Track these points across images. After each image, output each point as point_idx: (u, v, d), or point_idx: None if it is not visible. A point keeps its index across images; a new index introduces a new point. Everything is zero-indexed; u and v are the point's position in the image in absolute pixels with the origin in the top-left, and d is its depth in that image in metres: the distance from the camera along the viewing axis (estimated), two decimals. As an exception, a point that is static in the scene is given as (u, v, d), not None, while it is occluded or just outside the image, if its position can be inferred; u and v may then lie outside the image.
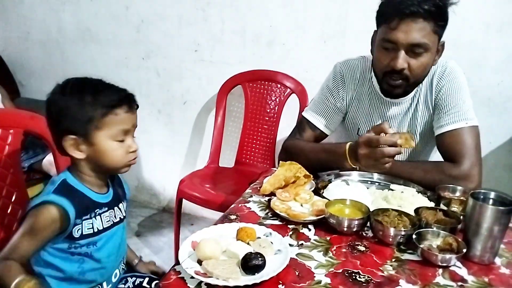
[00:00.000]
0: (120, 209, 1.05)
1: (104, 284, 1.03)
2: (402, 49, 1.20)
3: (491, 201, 0.93)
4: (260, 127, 2.29)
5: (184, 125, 2.64)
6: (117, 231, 1.03)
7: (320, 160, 1.33)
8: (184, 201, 2.02)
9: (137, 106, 0.99)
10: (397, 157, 1.41)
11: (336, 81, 1.45)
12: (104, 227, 0.98)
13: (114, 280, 1.06)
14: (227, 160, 2.39)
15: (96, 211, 0.97)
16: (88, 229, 0.94)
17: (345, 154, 1.22)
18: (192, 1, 2.35)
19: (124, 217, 1.07)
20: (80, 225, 0.93)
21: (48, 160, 2.03)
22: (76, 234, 0.93)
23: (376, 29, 1.30)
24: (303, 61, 2.23)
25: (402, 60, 1.20)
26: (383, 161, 1.11)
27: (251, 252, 0.83)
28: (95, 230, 0.96)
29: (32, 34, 2.86)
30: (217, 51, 2.40)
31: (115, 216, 1.02)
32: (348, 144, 1.22)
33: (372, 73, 1.38)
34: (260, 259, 0.82)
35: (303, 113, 1.51)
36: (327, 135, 1.47)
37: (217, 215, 1.29)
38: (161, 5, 2.42)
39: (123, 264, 1.11)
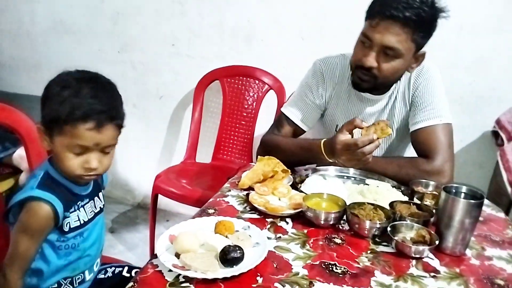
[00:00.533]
0: (99, 198, 1.03)
1: (86, 272, 1.01)
2: (376, 48, 1.21)
3: (462, 195, 0.96)
4: (237, 123, 2.29)
5: (160, 120, 2.60)
6: (99, 221, 1.01)
7: (297, 156, 1.35)
8: (159, 197, 2.00)
9: (121, 125, 0.91)
10: (373, 153, 1.45)
11: (315, 78, 1.46)
12: (89, 218, 0.96)
13: (95, 269, 1.04)
14: (204, 155, 2.38)
15: (79, 203, 0.94)
16: (75, 221, 0.92)
17: (321, 151, 1.24)
18: (170, -6, 2.32)
19: (104, 205, 1.05)
20: (69, 218, 0.91)
21: (19, 154, 1.96)
22: (66, 228, 0.90)
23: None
24: (281, 58, 2.24)
25: (372, 58, 1.22)
26: (365, 159, 1.15)
27: (229, 245, 0.83)
28: (81, 222, 0.94)
29: (2, 25, 2.76)
30: (194, 46, 2.38)
31: (95, 206, 1.00)
32: (323, 141, 1.25)
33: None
34: (238, 251, 0.82)
35: (282, 109, 1.51)
36: (305, 131, 1.49)
37: (193, 211, 1.28)
38: (138, -3, 2.39)
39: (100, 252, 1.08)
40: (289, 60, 2.22)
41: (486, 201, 1.28)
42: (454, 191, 0.96)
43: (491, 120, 1.98)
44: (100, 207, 1.02)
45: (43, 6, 2.62)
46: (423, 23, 1.18)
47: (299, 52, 2.19)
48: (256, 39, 2.26)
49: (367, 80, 1.28)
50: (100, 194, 1.04)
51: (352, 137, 1.16)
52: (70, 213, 0.91)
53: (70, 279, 0.98)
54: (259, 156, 1.31)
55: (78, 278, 0.99)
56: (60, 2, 2.57)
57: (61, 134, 0.85)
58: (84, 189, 0.97)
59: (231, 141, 2.31)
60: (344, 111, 1.45)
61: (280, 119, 1.51)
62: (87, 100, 0.85)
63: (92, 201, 0.99)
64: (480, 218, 1.14)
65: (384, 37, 1.19)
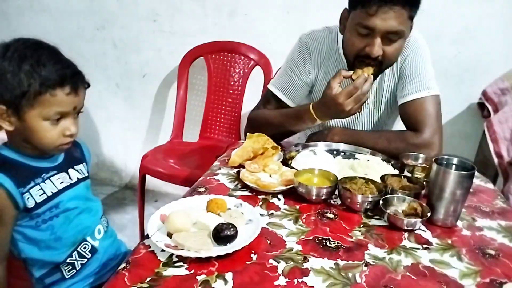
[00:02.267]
0: (77, 170, 1.00)
1: (89, 239, 0.99)
2: (379, 35, 1.17)
3: (453, 167, 0.96)
4: (224, 100, 2.25)
5: (144, 99, 2.55)
6: (79, 191, 0.98)
7: (285, 126, 1.35)
8: (147, 177, 1.98)
9: (88, 85, 0.91)
10: (362, 127, 1.45)
11: (302, 54, 1.42)
12: (59, 188, 0.93)
13: (98, 236, 1.02)
14: (191, 134, 2.35)
15: (43, 175, 0.91)
16: (40, 195, 0.89)
17: (312, 115, 1.27)
18: (150, -33, 2.24)
19: (86, 177, 1.02)
20: (28, 193, 0.87)
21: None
22: (30, 204, 0.87)
23: (347, 8, 1.25)
24: (267, 32, 2.20)
25: (378, 47, 1.19)
26: (366, 98, 1.22)
27: (222, 223, 0.82)
28: (49, 194, 0.90)
29: (-27, 3, 2.64)
30: (176, 21, 2.31)
31: (70, 178, 0.97)
32: (311, 105, 1.27)
33: (339, 44, 1.37)
34: (232, 229, 0.81)
35: (268, 86, 1.49)
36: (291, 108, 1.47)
37: (182, 190, 1.27)
38: (116, -29, 2.29)
39: (105, 222, 1.07)
40: (275, 34, 2.18)
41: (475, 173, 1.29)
42: (445, 162, 0.96)
43: (476, 92, 2.00)
44: (77, 178, 0.98)
45: (16, -18, 2.51)
46: None
47: (284, 25, 2.15)
48: (240, 13, 2.21)
49: (374, 68, 1.25)
50: (80, 166, 1.01)
51: None
52: (29, 189, 0.87)
53: (76, 252, 0.96)
54: (248, 133, 1.29)
55: (85, 248, 0.98)
56: (34, -22, 2.46)
57: (34, 107, 0.83)
58: (48, 162, 0.93)
59: (218, 119, 2.28)
60: None
61: (267, 96, 1.49)
62: (54, 66, 0.84)
63: (63, 172, 0.95)
64: (470, 190, 1.16)
65: (386, 22, 1.14)
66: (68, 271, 0.96)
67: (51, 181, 0.92)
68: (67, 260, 0.95)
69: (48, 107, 0.84)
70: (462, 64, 2.02)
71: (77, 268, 0.97)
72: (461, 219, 0.98)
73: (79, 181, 0.99)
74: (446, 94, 2.01)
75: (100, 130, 2.66)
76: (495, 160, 1.64)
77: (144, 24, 2.37)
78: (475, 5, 1.93)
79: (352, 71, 1.22)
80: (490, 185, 1.22)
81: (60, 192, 0.93)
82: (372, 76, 1.20)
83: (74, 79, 0.86)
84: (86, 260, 0.98)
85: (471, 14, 1.94)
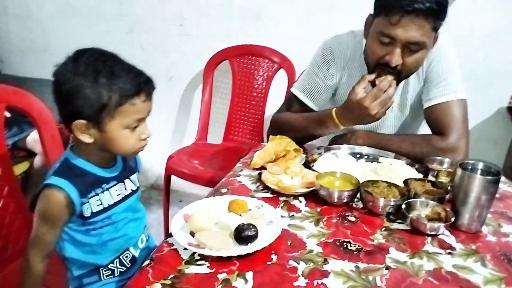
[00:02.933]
0: (132, 181, 1.01)
1: (131, 249, 1.01)
2: (399, 45, 1.17)
3: (479, 171, 0.95)
4: (248, 103, 2.27)
5: (170, 101, 2.60)
6: (131, 202, 1.00)
7: (308, 130, 1.36)
8: (172, 177, 2.02)
9: (154, 89, 0.92)
10: (386, 131, 1.43)
11: (325, 57, 1.42)
12: (115, 201, 0.94)
13: (141, 245, 1.03)
14: (215, 136, 2.38)
15: (103, 186, 0.92)
16: (97, 206, 0.91)
17: (334, 120, 1.27)
18: (177, -27, 2.29)
19: (138, 187, 1.04)
20: (88, 203, 0.89)
21: (33, 138, 1.98)
22: (87, 213, 0.89)
23: (372, 14, 1.24)
24: (291, 36, 2.21)
25: (398, 57, 1.18)
26: (391, 103, 1.21)
27: (243, 223, 0.83)
28: (105, 205, 0.92)
29: (10, 8, 2.75)
30: (203, 25, 2.36)
31: (125, 189, 0.98)
32: (334, 110, 1.27)
33: (363, 48, 1.36)
34: (252, 229, 0.82)
35: (291, 89, 1.50)
36: (315, 112, 1.47)
37: (206, 191, 1.29)
38: (144, -24, 2.36)
39: (147, 231, 1.09)
40: (299, 37, 2.19)
41: (502, 178, 1.26)
42: (470, 167, 0.95)
43: (506, 96, 1.95)
44: (132, 189, 1.00)
45: (50, -12, 2.61)
46: (442, 10, 1.14)
47: (308, 29, 2.16)
48: (265, 17, 2.23)
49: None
50: (134, 177, 1.03)
51: None
52: (90, 198, 0.89)
53: (118, 260, 0.98)
54: (270, 136, 1.31)
55: (126, 257, 1.00)
56: (67, -16, 2.55)
57: (114, 117, 0.85)
58: (110, 171, 0.95)
59: (242, 121, 2.30)
60: None
61: (290, 99, 1.49)
62: (129, 76, 0.85)
63: (121, 183, 0.97)
64: (497, 195, 1.13)
65: (408, 33, 1.14)
66: (107, 276, 0.97)
67: (110, 193, 0.94)
68: (108, 266, 0.97)
69: (128, 116, 0.86)
70: (491, 67, 1.97)
71: (116, 275, 0.99)
72: (487, 224, 0.96)
73: (132, 192, 1.00)
74: (474, 98, 1.97)
75: (127, 132, 2.73)
76: (525, 165, 1.59)
77: (171, 28, 2.42)
78: (503, 8, 1.88)
79: (375, 74, 1.22)
80: (518, 191, 1.19)
81: (115, 204, 0.95)
82: (395, 81, 1.19)
83: (148, 86, 0.88)
84: (125, 268, 0.99)
85: (500, 17, 1.90)
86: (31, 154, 2.03)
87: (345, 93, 1.42)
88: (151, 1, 2.40)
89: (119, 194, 0.96)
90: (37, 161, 2.03)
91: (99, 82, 0.83)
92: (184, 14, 2.37)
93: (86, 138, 0.87)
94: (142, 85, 0.87)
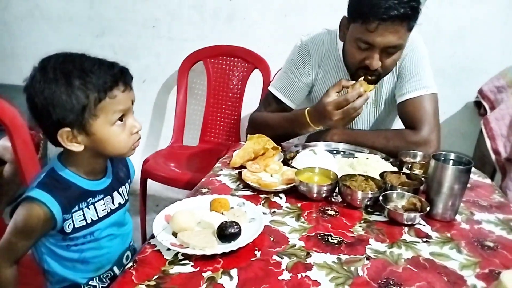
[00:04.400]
0: (120, 193, 0.97)
1: (115, 269, 0.96)
2: (378, 50, 1.21)
3: (451, 162, 0.98)
4: (223, 104, 2.27)
5: (144, 104, 2.57)
6: (117, 217, 0.95)
7: (283, 129, 1.38)
8: (148, 182, 1.99)
9: (132, 78, 0.87)
10: (361, 126, 1.47)
11: (301, 55, 1.45)
12: (100, 216, 0.90)
13: (125, 262, 0.98)
14: (191, 138, 2.37)
15: (89, 200, 0.88)
16: (80, 221, 0.86)
17: (306, 119, 1.28)
18: (148, -26, 2.27)
19: (126, 200, 0.99)
20: (70, 219, 0.85)
21: (2, 145, 1.91)
22: (68, 229, 0.85)
23: (347, 17, 1.26)
24: (265, 36, 2.22)
25: (377, 61, 1.22)
26: (356, 114, 1.21)
27: (226, 221, 0.84)
28: (89, 221, 0.88)
29: (-26, 12, 2.66)
30: (175, 27, 2.34)
31: (113, 202, 0.94)
32: (307, 109, 1.29)
33: (338, 46, 1.39)
34: (235, 227, 0.82)
35: (269, 88, 1.51)
36: (292, 109, 1.49)
37: (182, 194, 1.28)
38: (115, -22, 2.32)
39: (133, 244, 1.05)
40: (273, 38, 2.21)
41: (473, 169, 1.31)
42: (443, 158, 0.99)
43: (473, 90, 2.02)
44: (119, 203, 0.96)
45: (16, -9, 2.53)
46: (416, 12, 1.18)
47: (282, 29, 2.18)
48: (238, 18, 2.24)
49: (372, 79, 1.28)
50: (123, 188, 0.98)
51: None
52: (72, 213, 0.85)
53: (97, 277, 0.94)
54: (249, 135, 1.31)
55: (107, 276, 0.95)
56: (34, -13, 2.49)
57: (97, 116, 0.81)
58: (98, 184, 0.90)
59: (218, 122, 2.30)
60: None
61: (267, 98, 1.51)
62: (101, 69, 0.81)
63: (108, 196, 0.92)
64: (468, 185, 1.17)
65: (385, 39, 1.18)
66: None
67: (95, 208, 0.89)
68: (89, 283, 0.93)
69: (111, 110, 0.82)
70: (458, 63, 2.05)
71: None
72: (460, 213, 1.00)
73: (120, 206, 0.96)
74: (443, 93, 2.03)
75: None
76: (493, 157, 1.66)
77: (142, 30, 2.39)
78: (468, 6, 1.96)
79: (352, 82, 1.23)
80: (488, 181, 1.24)
81: (99, 219, 0.90)
82: (368, 94, 1.21)
83: (124, 75, 0.84)
84: (106, 285, 0.95)
85: (466, 15, 1.97)
86: (1, 163, 1.96)
87: (321, 90, 1.45)
88: (122, 3, 2.37)
89: (104, 209, 0.91)
90: (7, 169, 1.96)
91: (72, 84, 0.79)
92: (156, 16, 2.35)
93: (76, 147, 0.83)
94: (118, 75, 0.82)
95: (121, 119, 0.85)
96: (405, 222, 0.92)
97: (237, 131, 2.25)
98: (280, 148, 1.28)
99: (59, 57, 0.82)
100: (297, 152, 1.29)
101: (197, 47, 2.27)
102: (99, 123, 0.82)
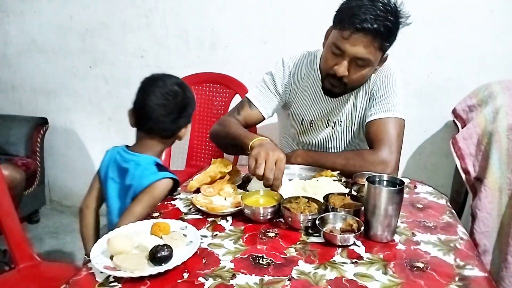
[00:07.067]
0: None
1: None
2: (347, 58, 1.26)
3: (385, 183, 1.00)
4: (208, 128, 2.30)
5: (133, 130, 2.64)
6: None
7: (234, 139, 1.36)
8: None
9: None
10: (336, 144, 1.52)
11: (280, 71, 1.52)
12: None
13: None
14: (178, 162, 2.43)
15: None
16: None
17: (247, 147, 1.25)
18: (135, 7, 2.39)
19: None
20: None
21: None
22: None
23: (332, 25, 1.32)
24: (246, 63, 2.30)
25: (344, 68, 1.28)
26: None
27: (158, 245, 0.87)
28: None
29: (-23, 47, 2.83)
30: (162, 56, 2.44)
31: None
32: (251, 142, 1.24)
33: (317, 66, 1.46)
34: (166, 250, 0.86)
35: (246, 94, 1.58)
36: (264, 118, 1.54)
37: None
38: (104, 13, 2.45)
39: None
40: (254, 64, 2.28)
41: (429, 189, 1.32)
42: (377, 180, 1.01)
43: (451, 110, 2.03)
44: None
45: (15, 27, 2.69)
46: (390, 33, 1.24)
47: (262, 56, 2.25)
48: (221, 45, 2.32)
49: (338, 87, 1.35)
50: None
51: None
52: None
53: None
54: (213, 159, 1.36)
55: None
56: (31, 22, 2.64)
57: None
58: None
59: (203, 146, 2.35)
60: (310, 106, 1.52)
61: (242, 102, 1.57)
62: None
63: None
64: (419, 205, 1.19)
65: (355, 48, 1.23)
66: None
67: None
68: None
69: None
70: (435, 83, 2.07)
71: None
72: (400, 234, 1.01)
73: None
74: (422, 113, 2.07)
75: (95, 162, 2.76)
76: (463, 176, 1.65)
77: (132, 60, 2.51)
78: (442, 26, 1.99)
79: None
80: (443, 201, 1.24)
81: None
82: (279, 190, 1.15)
83: None
84: None
85: (440, 35, 2.00)
86: None
87: (299, 109, 1.53)
88: (111, 35, 2.49)
89: None
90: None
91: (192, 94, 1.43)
92: (144, 47, 2.45)
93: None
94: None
95: None
96: (339, 243, 0.94)
97: (222, 154, 2.29)
98: (240, 171, 1.32)
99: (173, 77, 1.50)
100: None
101: (183, 74, 2.33)
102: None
